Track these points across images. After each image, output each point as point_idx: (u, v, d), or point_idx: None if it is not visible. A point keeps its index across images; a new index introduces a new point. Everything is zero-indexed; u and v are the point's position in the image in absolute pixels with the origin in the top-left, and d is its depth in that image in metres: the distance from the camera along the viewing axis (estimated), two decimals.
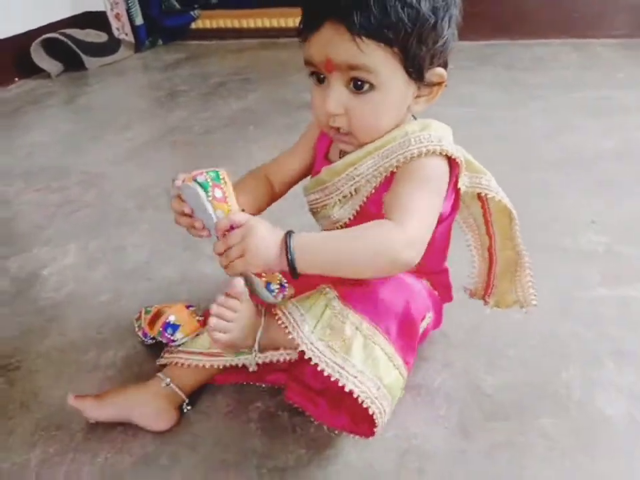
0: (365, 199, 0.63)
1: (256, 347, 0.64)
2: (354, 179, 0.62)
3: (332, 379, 0.57)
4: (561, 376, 0.74)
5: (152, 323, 0.84)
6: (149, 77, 2.40)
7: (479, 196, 0.70)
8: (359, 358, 0.58)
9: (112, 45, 2.60)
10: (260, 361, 0.67)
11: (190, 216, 0.58)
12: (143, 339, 0.84)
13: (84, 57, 2.44)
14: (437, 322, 0.76)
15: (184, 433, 0.71)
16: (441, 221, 0.64)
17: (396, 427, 0.69)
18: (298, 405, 0.66)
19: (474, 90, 1.83)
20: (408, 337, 0.63)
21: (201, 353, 0.73)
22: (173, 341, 0.79)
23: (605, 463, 0.63)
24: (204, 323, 0.79)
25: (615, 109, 1.58)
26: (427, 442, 0.67)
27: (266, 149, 1.50)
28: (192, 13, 2.77)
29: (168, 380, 0.72)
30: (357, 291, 0.62)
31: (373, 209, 0.63)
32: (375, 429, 0.60)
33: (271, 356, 0.67)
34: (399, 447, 0.67)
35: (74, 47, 2.40)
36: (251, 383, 0.76)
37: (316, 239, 0.56)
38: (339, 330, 0.59)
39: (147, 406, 0.70)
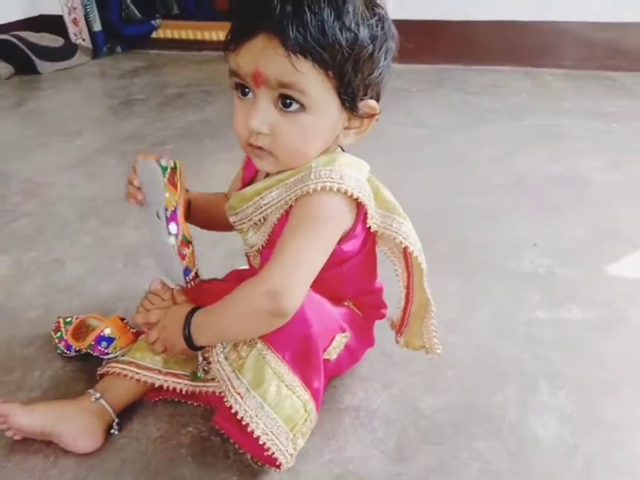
0: (272, 228, 0.63)
1: (199, 357, 0.67)
2: (260, 207, 0.62)
3: (220, 392, 0.62)
4: (497, 398, 0.75)
5: (76, 334, 0.80)
6: (104, 84, 2.35)
7: None
8: (250, 376, 0.60)
9: (68, 50, 2.53)
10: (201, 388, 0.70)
11: (137, 188, 0.66)
12: (65, 351, 0.80)
13: (37, 61, 2.36)
14: (367, 341, 0.76)
15: (110, 458, 0.67)
16: (349, 257, 0.65)
17: (332, 451, 0.68)
18: (224, 430, 0.64)
19: (428, 111, 1.87)
20: (306, 359, 0.62)
21: (140, 367, 0.71)
22: (107, 354, 0.76)
23: None
24: (138, 335, 0.77)
25: (561, 136, 1.65)
26: (363, 466, 0.66)
27: (221, 162, 1.48)
28: (153, 22, 2.73)
29: (98, 395, 0.69)
30: None
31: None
32: (275, 456, 0.60)
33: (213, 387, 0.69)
34: (334, 473, 0.65)
35: (26, 49, 2.33)
36: (184, 402, 0.73)
37: (206, 315, 0.61)
38: (238, 346, 0.62)
39: (73, 421, 0.67)
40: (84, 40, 2.62)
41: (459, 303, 0.93)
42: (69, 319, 0.83)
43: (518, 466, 0.65)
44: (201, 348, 0.62)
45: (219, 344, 0.62)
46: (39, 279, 1.01)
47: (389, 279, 0.74)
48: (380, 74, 0.56)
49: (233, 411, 0.59)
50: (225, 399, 0.60)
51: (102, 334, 0.77)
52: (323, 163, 0.59)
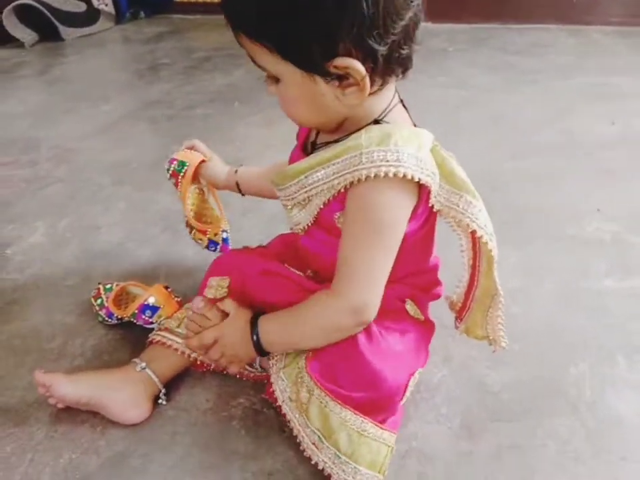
0: (318, 210, 0.57)
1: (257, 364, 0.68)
2: (305, 187, 0.56)
3: (297, 440, 0.58)
4: (570, 372, 0.69)
5: (117, 301, 0.77)
6: (129, 49, 2.28)
7: None
8: (318, 424, 0.57)
9: (91, 16, 2.46)
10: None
11: None
12: (106, 318, 0.77)
13: (60, 27, 2.30)
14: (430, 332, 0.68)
15: (159, 430, 0.64)
16: (407, 238, 0.56)
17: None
18: (276, 405, 0.60)
19: (469, 72, 1.76)
20: (378, 407, 0.58)
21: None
22: (151, 323, 0.73)
23: (620, 467, 0.58)
24: (182, 304, 0.74)
25: (614, 95, 1.54)
26: (428, 443, 0.61)
27: (252, 126, 1.43)
28: None
29: (143, 364, 0.66)
30: (323, 361, 0.58)
31: (326, 221, 0.57)
32: None
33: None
34: (398, 449, 0.60)
35: (50, 15, 2.26)
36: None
37: (276, 323, 0.59)
38: (297, 385, 0.59)
39: (119, 391, 0.64)
40: (106, 5, 2.54)
41: (521, 272, 0.86)
42: (108, 286, 0.79)
43: (600, 446, 0.60)
44: (269, 353, 0.60)
45: (280, 379, 0.60)
46: (76, 245, 0.98)
47: (445, 250, 0.66)
48: (341, 29, 0.45)
49: (312, 462, 0.57)
50: (301, 447, 0.58)
51: (146, 302, 0.73)
52: (377, 140, 0.50)
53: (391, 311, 0.62)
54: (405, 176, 0.49)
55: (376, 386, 0.56)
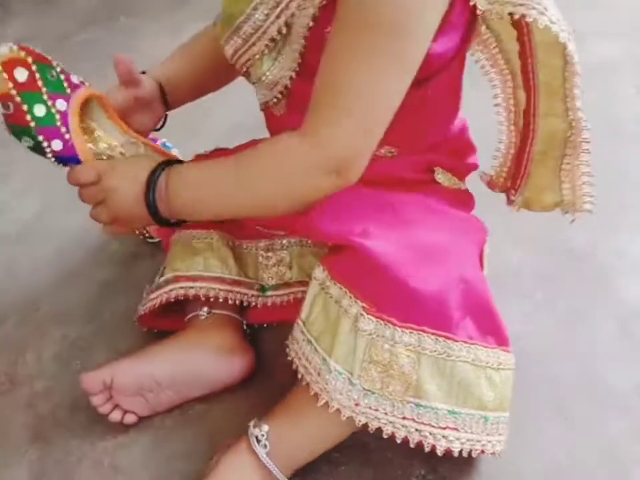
0: (303, 41, 0.39)
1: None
2: (279, 3, 0.38)
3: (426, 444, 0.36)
4: None
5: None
6: None
7: (514, 20, 0.39)
8: (442, 393, 0.36)
9: None
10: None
11: None
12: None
13: None
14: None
15: None
16: (439, 66, 0.39)
17: None
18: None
19: None
20: (483, 310, 0.39)
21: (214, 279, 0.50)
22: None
23: None
24: None
25: None
26: (537, 340, 0.49)
27: (151, 38, 1.14)
28: None
29: (205, 308, 0.50)
30: (380, 285, 0.36)
31: (319, 58, 0.37)
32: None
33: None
34: None
35: None
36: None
37: (192, 173, 0.42)
38: (393, 364, 0.36)
39: (203, 347, 0.47)
40: None
41: None
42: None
43: None
44: (170, 223, 0.43)
45: (336, 373, 0.36)
46: None
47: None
48: None
49: (455, 452, 0.37)
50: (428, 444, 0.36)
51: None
52: None
53: (416, 186, 0.45)
54: None
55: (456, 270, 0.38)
